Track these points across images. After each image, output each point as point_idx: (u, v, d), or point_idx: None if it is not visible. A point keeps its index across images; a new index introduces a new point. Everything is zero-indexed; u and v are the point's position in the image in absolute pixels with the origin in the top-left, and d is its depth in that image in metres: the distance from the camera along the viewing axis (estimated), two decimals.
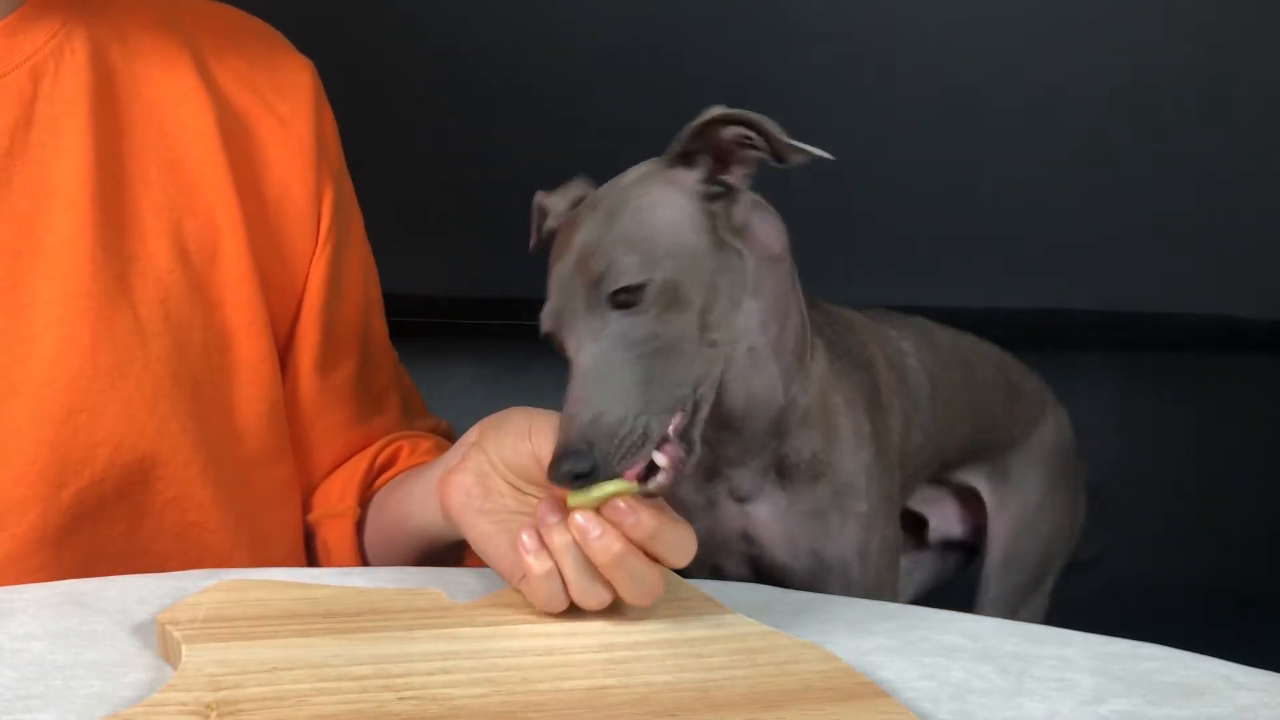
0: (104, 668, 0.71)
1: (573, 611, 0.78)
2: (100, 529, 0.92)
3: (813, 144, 0.81)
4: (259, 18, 1.07)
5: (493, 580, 0.83)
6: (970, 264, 1.91)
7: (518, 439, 0.81)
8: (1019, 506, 1.19)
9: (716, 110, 0.83)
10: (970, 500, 1.20)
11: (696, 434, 0.81)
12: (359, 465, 1.06)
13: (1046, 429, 1.21)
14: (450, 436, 1.13)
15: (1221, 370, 1.79)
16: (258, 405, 0.99)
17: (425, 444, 1.09)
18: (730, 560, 1.00)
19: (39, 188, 0.92)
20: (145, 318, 0.94)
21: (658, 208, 0.83)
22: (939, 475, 1.15)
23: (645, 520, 0.75)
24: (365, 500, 1.05)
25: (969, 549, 1.22)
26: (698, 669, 0.73)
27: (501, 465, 0.81)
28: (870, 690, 0.71)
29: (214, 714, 0.64)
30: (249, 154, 1.00)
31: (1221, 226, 1.97)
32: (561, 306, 0.82)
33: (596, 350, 0.79)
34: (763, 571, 0.99)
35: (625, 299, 0.80)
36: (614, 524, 0.75)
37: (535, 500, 0.80)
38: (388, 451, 1.07)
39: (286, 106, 1.03)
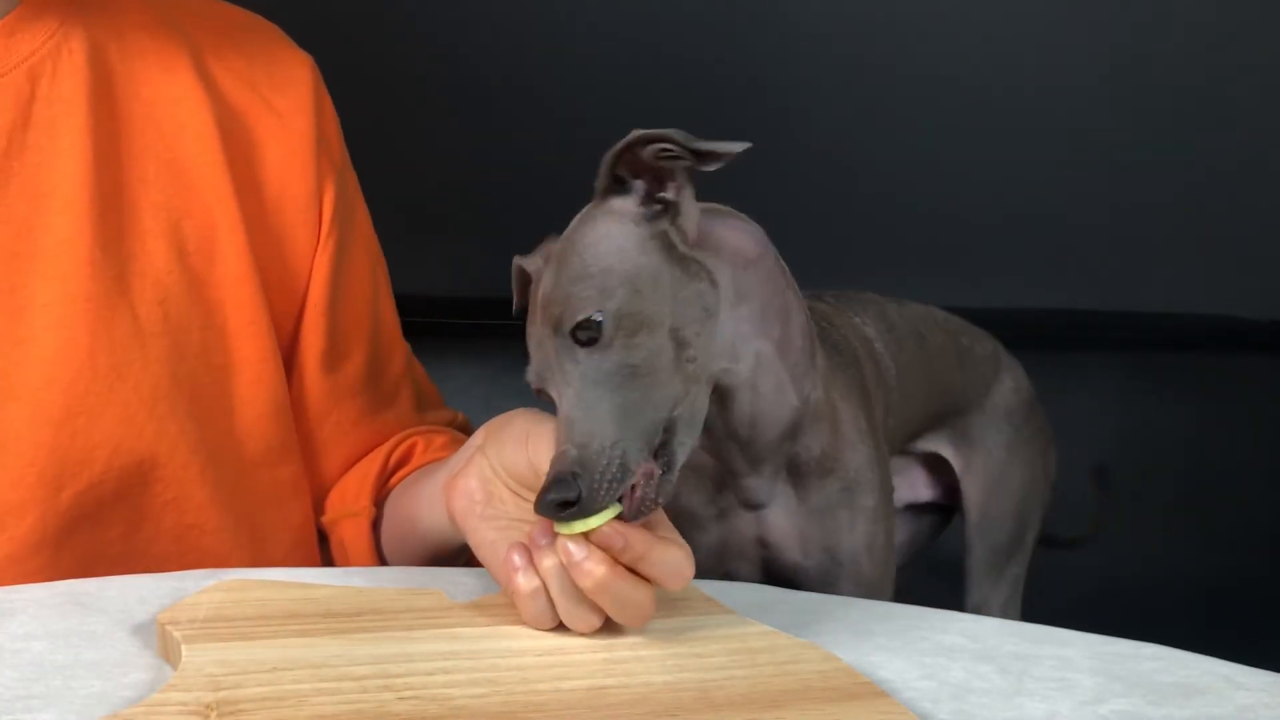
0: (104, 668, 0.71)
1: None
2: (99, 531, 0.92)
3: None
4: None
5: (493, 581, 0.83)
6: (970, 264, 1.91)
7: (516, 445, 0.80)
8: (985, 467, 1.20)
9: (630, 136, 0.83)
10: (937, 465, 1.21)
11: (678, 450, 0.81)
12: (373, 463, 1.05)
13: (1004, 387, 1.22)
14: (467, 430, 1.13)
15: (1221, 370, 1.79)
16: (259, 405, 0.99)
17: (440, 439, 1.08)
18: (743, 565, 1.00)
19: (37, 189, 0.92)
20: (144, 319, 0.93)
21: (601, 241, 0.83)
22: (904, 447, 1.15)
23: (634, 543, 0.74)
24: (380, 499, 1.04)
25: (944, 510, 1.24)
26: (697, 669, 0.73)
27: (502, 470, 0.81)
28: (870, 690, 0.71)
29: (214, 714, 0.64)
30: (248, 152, 1.00)
31: (1221, 226, 1.97)
32: (540, 361, 0.83)
33: (572, 393, 0.79)
34: (774, 573, 0.99)
35: (586, 336, 0.80)
36: (603, 548, 0.74)
37: None
38: (402, 448, 1.07)
39: (285, 102, 1.02)
